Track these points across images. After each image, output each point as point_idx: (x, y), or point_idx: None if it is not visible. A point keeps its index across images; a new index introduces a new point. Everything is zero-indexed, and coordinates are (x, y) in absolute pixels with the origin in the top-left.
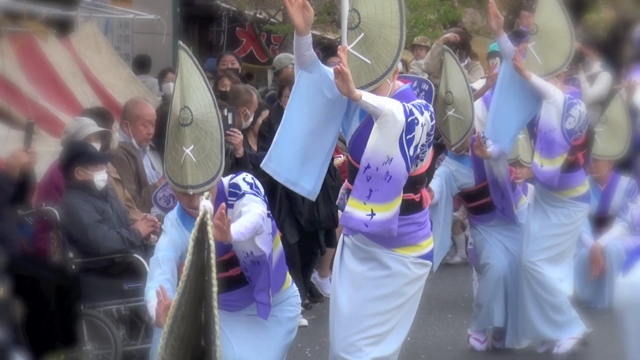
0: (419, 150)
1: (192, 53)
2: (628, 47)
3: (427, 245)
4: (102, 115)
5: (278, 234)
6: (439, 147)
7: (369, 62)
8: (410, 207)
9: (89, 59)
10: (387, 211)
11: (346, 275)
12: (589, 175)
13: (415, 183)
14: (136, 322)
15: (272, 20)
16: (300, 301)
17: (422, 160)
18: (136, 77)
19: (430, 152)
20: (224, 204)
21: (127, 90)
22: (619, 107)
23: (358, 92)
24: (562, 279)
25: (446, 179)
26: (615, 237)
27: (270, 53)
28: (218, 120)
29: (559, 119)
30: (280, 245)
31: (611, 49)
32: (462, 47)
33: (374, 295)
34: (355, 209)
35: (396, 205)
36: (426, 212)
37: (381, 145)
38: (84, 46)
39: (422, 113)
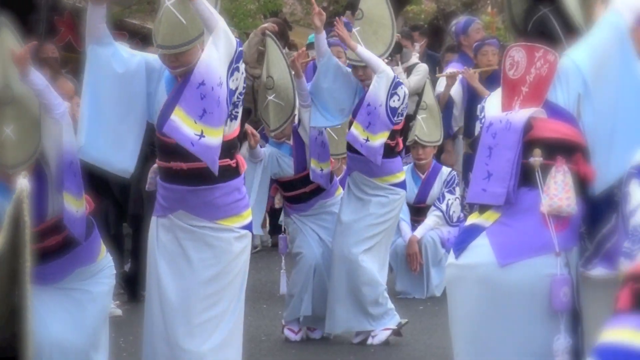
0: (235, 98)
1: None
2: (447, 39)
3: (248, 215)
4: None
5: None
6: (247, 111)
7: (184, 22)
8: (227, 173)
9: None
10: (214, 137)
11: (169, 262)
12: (405, 162)
13: (230, 147)
14: None
15: None
16: (115, 272)
17: (234, 119)
18: None
19: (239, 118)
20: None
21: None
22: (430, 93)
23: None
24: (379, 270)
25: (271, 153)
26: (430, 227)
27: None
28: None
29: (386, 94)
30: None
31: (431, 40)
32: (280, 37)
33: (203, 278)
34: (184, 123)
35: (220, 135)
36: (243, 178)
37: (216, 61)
38: None
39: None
